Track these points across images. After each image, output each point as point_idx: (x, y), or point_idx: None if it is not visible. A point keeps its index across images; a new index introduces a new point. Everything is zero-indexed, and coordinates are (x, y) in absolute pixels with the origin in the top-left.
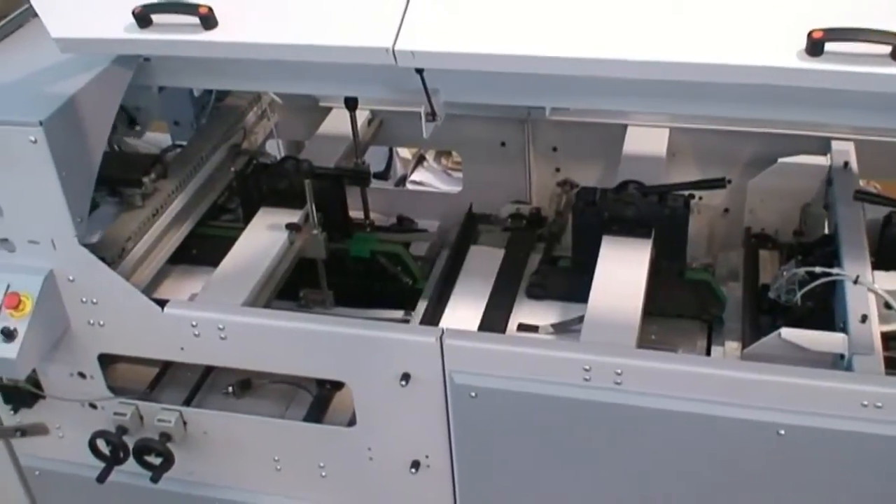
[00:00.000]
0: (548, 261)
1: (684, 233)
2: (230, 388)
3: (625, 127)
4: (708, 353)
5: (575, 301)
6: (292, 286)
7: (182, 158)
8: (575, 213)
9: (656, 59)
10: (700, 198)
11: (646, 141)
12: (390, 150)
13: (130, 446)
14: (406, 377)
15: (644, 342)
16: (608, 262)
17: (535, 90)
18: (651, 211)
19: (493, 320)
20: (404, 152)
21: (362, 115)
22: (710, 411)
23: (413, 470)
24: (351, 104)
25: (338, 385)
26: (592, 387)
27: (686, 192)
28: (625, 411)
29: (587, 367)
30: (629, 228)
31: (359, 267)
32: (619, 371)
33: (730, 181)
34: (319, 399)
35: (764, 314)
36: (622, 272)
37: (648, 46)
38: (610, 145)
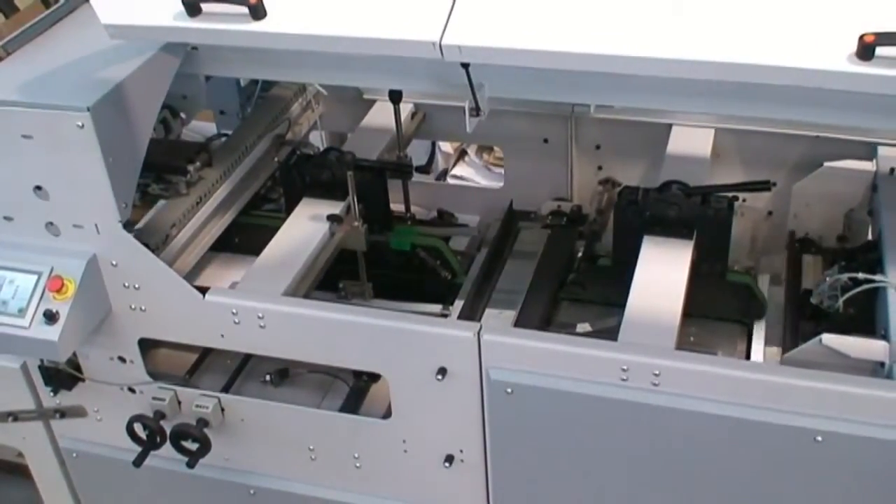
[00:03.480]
0: (588, 259)
1: (727, 235)
2: (268, 377)
3: (669, 126)
4: (747, 356)
5: (614, 300)
6: (332, 277)
7: (227, 147)
8: (616, 212)
9: (705, 59)
10: (744, 200)
11: (690, 141)
12: (433, 144)
13: (167, 431)
14: (442, 371)
15: (683, 344)
16: (649, 263)
17: (581, 87)
18: (694, 212)
19: (531, 317)
20: (446, 146)
21: (406, 109)
22: (748, 415)
23: (447, 464)
24: (395, 97)
25: (374, 377)
26: (630, 387)
27: (730, 194)
28: (661, 413)
29: (625, 367)
30: (671, 229)
31: (399, 260)
32: (656, 372)
33: (774, 184)
34: (356, 390)
35: (805, 319)
36: (663, 273)
37: (697, 46)
38: (654, 144)
